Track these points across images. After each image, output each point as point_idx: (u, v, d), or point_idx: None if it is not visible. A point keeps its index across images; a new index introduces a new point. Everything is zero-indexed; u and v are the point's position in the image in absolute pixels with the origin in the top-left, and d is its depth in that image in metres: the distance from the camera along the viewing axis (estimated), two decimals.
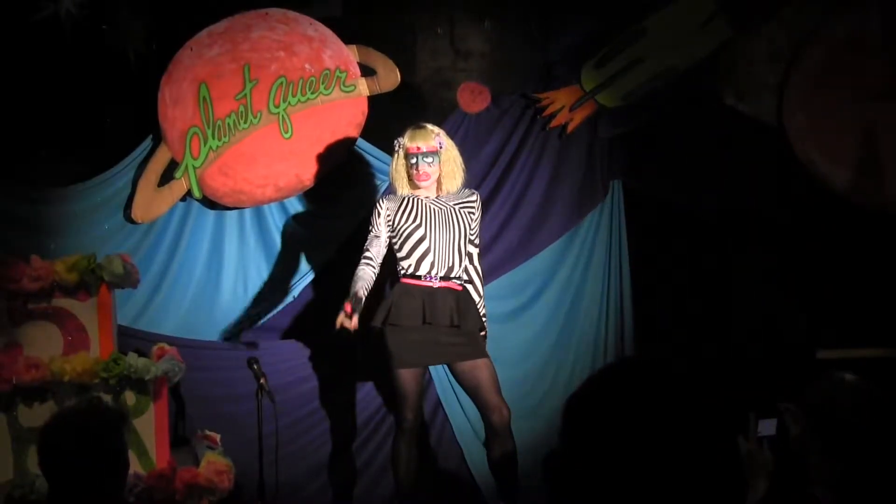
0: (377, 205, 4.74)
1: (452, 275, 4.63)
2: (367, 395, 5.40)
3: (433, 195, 4.70)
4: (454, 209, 4.67)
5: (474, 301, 4.71)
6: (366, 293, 4.55)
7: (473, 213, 4.71)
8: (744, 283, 5.48)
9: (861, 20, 5.39)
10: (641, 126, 5.53)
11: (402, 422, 4.67)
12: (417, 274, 4.61)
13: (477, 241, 4.77)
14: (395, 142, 4.70)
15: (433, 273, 4.61)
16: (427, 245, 4.62)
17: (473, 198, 4.74)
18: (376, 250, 4.69)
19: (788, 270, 5.40)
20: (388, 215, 4.69)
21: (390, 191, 4.87)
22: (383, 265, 4.72)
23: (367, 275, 4.61)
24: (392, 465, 4.77)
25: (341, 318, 4.41)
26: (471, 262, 4.75)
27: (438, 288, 4.59)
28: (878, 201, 5.36)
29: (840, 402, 2.61)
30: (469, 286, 4.73)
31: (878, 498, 2.57)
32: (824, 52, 5.40)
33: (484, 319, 4.76)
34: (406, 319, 4.57)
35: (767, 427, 2.78)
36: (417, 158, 4.61)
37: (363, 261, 4.66)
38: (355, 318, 4.42)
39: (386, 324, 4.58)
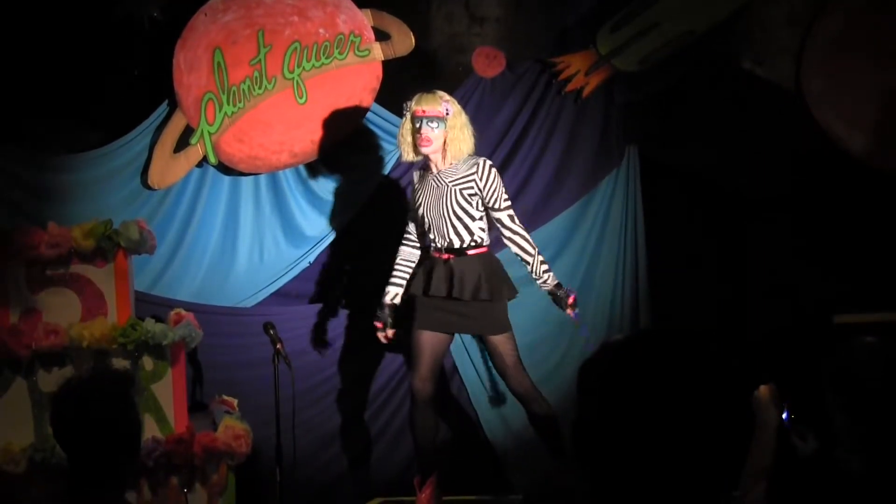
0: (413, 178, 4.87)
1: (455, 247, 4.62)
2: (382, 360, 5.42)
3: (440, 164, 4.66)
4: (451, 189, 4.60)
5: (479, 269, 4.60)
6: (402, 277, 4.80)
7: (473, 187, 4.59)
8: (761, 248, 5.46)
9: None
10: (658, 91, 5.48)
11: (413, 391, 4.71)
12: (430, 247, 4.69)
13: (500, 205, 4.62)
14: (404, 105, 4.69)
15: (441, 246, 4.64)
16: (427, 222, 4.68)
17: (473, 170, 4.59)
18: (412, 225, 4.80)
19: (806, 235, 5.38)
20: (412, 189, 4.80)
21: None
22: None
23: (403, 254, 4.83)
24: (410, 431, 4.82)
25: (380, 336, 4.77)
26: (503, 226, 4.65)
27: (443, 259, 4.63)
28: None
29: (862, 363, 2.61)
30: (513, 248, 4.66)
31: None
32: (843, 16, 5.35)
33: (546, 273, 4.66)
34: (414, 290, 4.71)
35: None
36: (421, 122, 4.58)
37: (403, 238, 4.84)
38: (389, 331, 4.76)
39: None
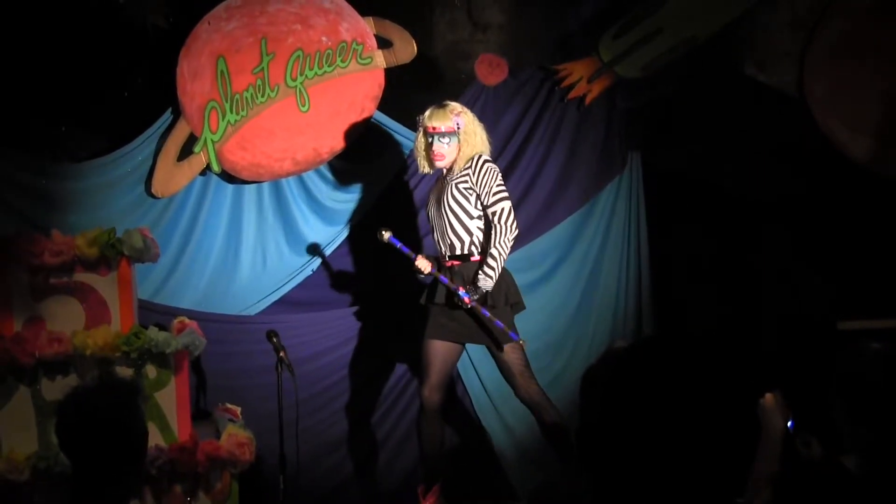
0: None
1: (457, 253, 4.63)
2: (385, 367, 5.42)
3: (453, 170, 4.68)
4: (451, 187, 4.62)
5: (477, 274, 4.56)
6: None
7: (468, 181, 4.60)
8: (764, 254, 5.46)
9: None
10: (660, 97, 5.49)
11: (422, 399, 4.70)
12: (439, 254, 4.69)
13: (488, 200, 4.57)
14: (417, 118, 4.71)
15: (444, 252, 4.65)
16: (431, 224, 4.73)
17: (469, 165, 4.59)
18: None
19: (809, 241, 5.38)
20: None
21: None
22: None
23: None
24: (417, 438, 4.81)
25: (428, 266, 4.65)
26: (494, 222, 4.56)
27: (447, 266, 4.64)
28: None
29: (867, 368, 2.61)
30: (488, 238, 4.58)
31: None
32: (846, 21, 5.35)
33: (483, 275, 4.51)
34: (424, 299, 4.72)
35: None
36: (434, 138, 4.62)
37: None
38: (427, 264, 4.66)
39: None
